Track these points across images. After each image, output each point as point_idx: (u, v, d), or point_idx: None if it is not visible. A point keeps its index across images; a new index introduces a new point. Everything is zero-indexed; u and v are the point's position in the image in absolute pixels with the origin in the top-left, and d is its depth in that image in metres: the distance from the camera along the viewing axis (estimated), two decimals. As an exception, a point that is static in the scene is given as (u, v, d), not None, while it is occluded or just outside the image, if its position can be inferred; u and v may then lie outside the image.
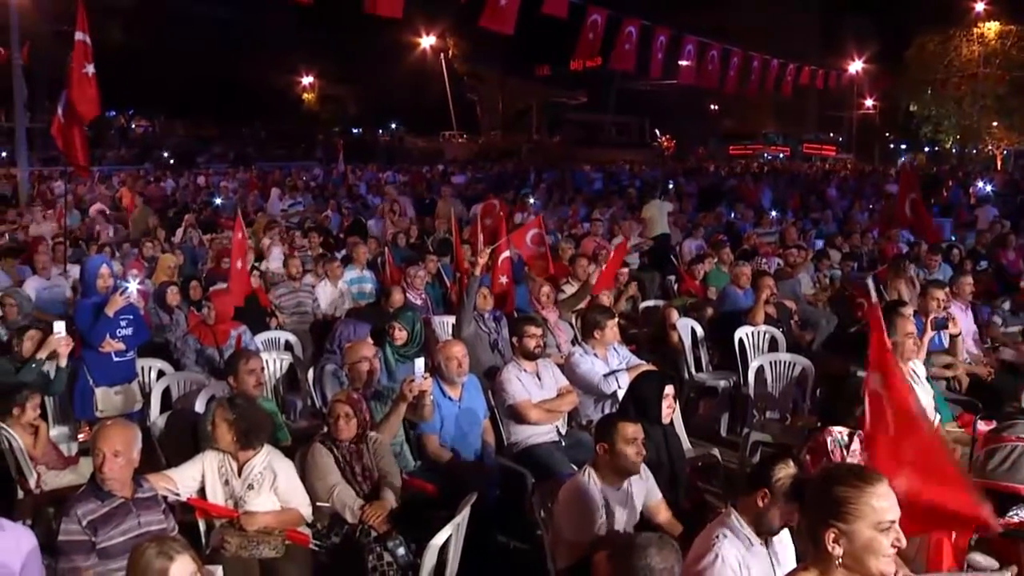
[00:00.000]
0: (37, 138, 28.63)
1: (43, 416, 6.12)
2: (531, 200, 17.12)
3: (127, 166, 34.34)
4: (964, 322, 7.95)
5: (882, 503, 2.79)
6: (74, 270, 10.94)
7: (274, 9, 46.79)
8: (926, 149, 57.18)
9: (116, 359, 6.79)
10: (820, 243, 14.21)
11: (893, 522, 2.80)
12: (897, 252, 11.84)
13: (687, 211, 18.44)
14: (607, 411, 6.27)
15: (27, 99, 22.20)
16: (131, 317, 6.97)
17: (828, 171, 39.66)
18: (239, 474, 4.79)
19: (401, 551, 4.61)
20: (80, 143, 9.78)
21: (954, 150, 51.89)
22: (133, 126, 54.31)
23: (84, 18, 9.55)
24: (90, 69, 9.45)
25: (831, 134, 65.77)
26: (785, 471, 3.68)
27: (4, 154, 33.53)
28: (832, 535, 2.78)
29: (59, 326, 6.57)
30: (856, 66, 48.08)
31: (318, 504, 4.97)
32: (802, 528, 3.02)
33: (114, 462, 4.19)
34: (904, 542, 2.82)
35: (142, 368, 7.30)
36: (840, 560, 2.78)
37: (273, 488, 4.81)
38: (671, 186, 21.97)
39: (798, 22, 57.04)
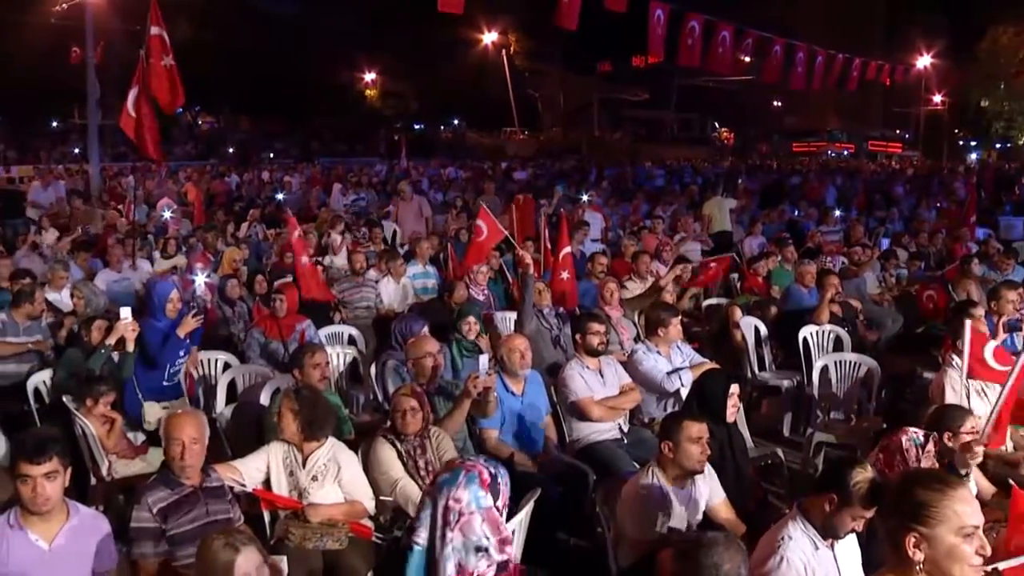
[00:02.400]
0: (108, 135, 29.25)
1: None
2: (584, 197, 17.04)
3: (193, 162, 34.90)
4: (1038, 324, 7.77)
5: (965, 508, 2.74)
6: (143, 264, 11.21)
7: (338, 5, 47.34)
8: (997, 146, 55.87)
9: (165, 383, 6.91)
10: (886, 242, 14.00)
11: (977, 528, 2.74)
12: (966, 252, 11.60)
13: (749, 208, 18.25)
14: (669, 409, 6.26)
15: (99, 97, 22.69)
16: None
17: (894, 169, 38.96)
18: (304, 465, 4.86)
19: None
20: (153, 136, 9.98)
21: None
22: (199, 122, 55.13)
23: (157, 13, 9.75)
24: (168, 61, 9.69)
25: (897, 131, 64.54)
26: (862, 475, 3.63)
27: (77, 150, 34.30)
28: (912, 539, 2.73)
29: (125, 312, 6.72)
30: (924, 61, 47.07)
31: (381, 498, 5.01)
32: (880, 532, 2.96)
33: (192, 450, 4.30)
34: (989, 550, 2.77)
35: (207, 360, 7.44)
36: (921, 566, 2.73)
37: (337, 480, 4.86)
38: (740, 181, 21.70)
39: (864, 16, 56.10)
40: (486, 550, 2.95)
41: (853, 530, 3.69)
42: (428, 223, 15.11)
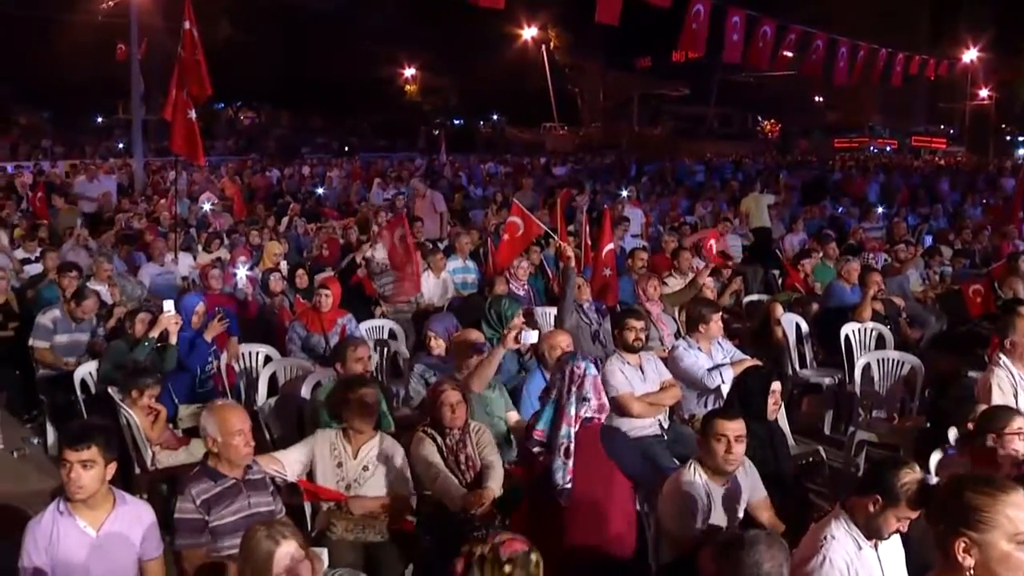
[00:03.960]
0: (152, 130, 29.65)
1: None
2: (624, 193, 17.00)
3: (234, 156, 35.20)
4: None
5: (1018, 513, 2.66)
6: (185, 258, 11.35)
7: (378, 1, 47.54)
8: (1046, 142, 54.95)
9: (199, 389, 7.02)
10: (929, 239, 13.83)
11: None
12: (1013, 249, 11.43)
13: (789, 205, 18.09)
14: (710, 406, 6.22)
15: (143, 93, 22.99)
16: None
17: (938, 165, 38.41)
18: (355, 456, 4.90)
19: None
20: (190, 130, 10.17)
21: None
22: (241, 118, 55.62)
23: (190, 8, 10.04)
24: (198, 56, 9.95)
25: (941, 126, 63.59)
26: (911, 476, 3.59)
27: (121, 145, 34.78)
28: (963, 544, 2.64)
29: (168, 305, 6.84)
30: (971, 55, 46.33)
31: (422, 492, 5.04)
32: (929, 536, 2.89)
33: (250, 440, 4.38)
34: None
35: (249, 353, 7.53)
36: (971, 571, 2.64)
37: (385, 472, 4.90)
38: (781, 176, 21.53)
39: (908, 10, 55.26)
40: (588, 400, 4.28)
41: (897, 531, 3.65)
42: (443, 219, 15.00)
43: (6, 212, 15.28)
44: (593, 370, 4.34)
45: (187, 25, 10.05)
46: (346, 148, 46.11)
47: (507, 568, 2.79)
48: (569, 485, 4.14)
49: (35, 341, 7.72)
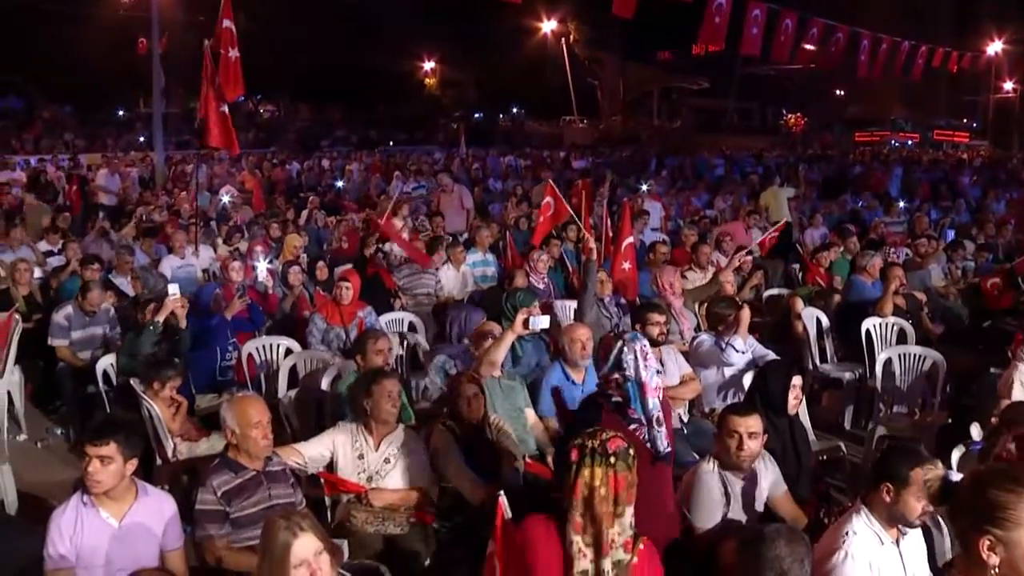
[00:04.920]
0: (172, 123, 29.78)
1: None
2: (644, 187, 16.94)
3: (254, 149, 35.29)
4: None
5: None
6: (205, 250, 11.41)
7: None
8: (1071, 135, 54.25)
9: (220, 378, 7.09)
10: (951, 233, 13.73)
11: None
12: (1036, 243, 11.35)
13: (809, 199, 17.99)
14: (730, 400, 6.21)
15: (164, 87, 23.08)
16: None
17: (960, 159, 38.07)
18: (376, 448, 4.92)
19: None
20: (225, 123, 10.29)
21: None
22: (260, 110, 55.71)
23: (229, 6, 10.16)
24: (234, 54, 10.05)
25: (964, 120, 63.02)
26: (933, 472, 3.58)
27: (142, 139, 34.94)
28: (987, 543, 2.57)
29: (173, 288, 6.90)
30: (995, 47, 45.83)
31: (441, 484, 5.05)
32: (952, 533, 2.86)
33: (269, 431, 4.41)
34: None
35: (268, 345, 7.55)
36: (996, 570, 2.57)
37: (406, 465, 4.92)
38: (801, 169, 21.40)
39: (931, 1, 54.77)
40: (660, 372, 4.74)
41: (923, 514, 3.63)
42: (469, 214, 14.86)
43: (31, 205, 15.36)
44: (649, 345, 4.61)
45: (226, 23, 10.19)
46: (370, 138, 46.08)
47: (612, 459, 3.31)
48: (669, 449, 4.40)
49: (53, 340, 7.80)
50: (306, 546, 3.22)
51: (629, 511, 3.34)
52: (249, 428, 4.34)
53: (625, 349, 4.44)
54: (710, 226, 13.13)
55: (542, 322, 5.86)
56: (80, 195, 15.89)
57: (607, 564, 3.28)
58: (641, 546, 3.37)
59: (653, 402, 4.37)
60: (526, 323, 5.75)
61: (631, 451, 3.38)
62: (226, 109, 10.28)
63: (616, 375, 4.46)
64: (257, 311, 7.86)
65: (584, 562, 3.29)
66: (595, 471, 3.29)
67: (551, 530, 3.37)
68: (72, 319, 7.83)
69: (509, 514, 3.82)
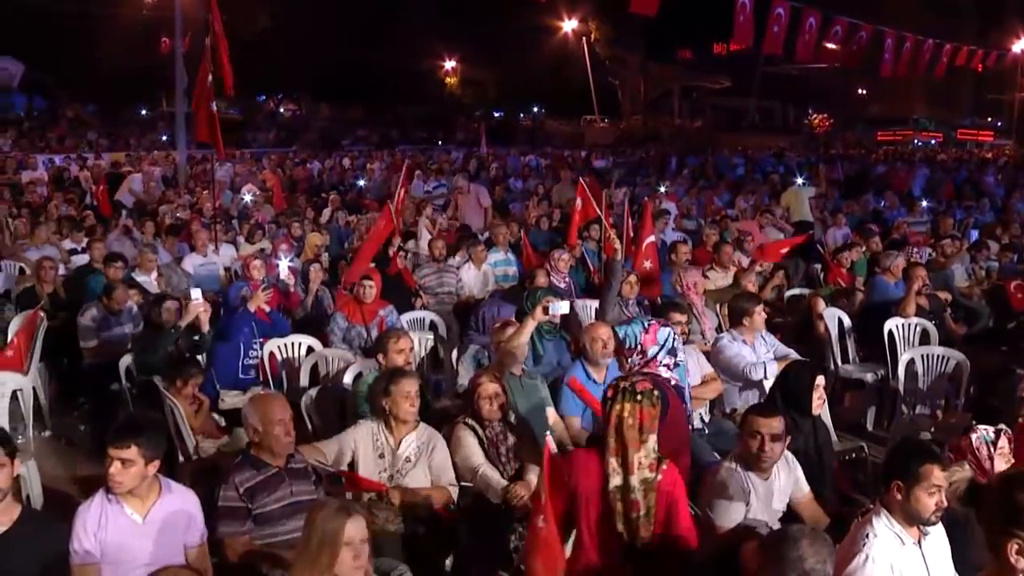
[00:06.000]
0: (193, 123, 29.91)
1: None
2: (662, 188, 16.91)
3: (276, 148, 35.42)
4: None
5: None
6: (227, 249, 11.47)
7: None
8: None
9: (243, 376, 7.14)
10: (975, 233, 13.62)
11: None
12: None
13: (831, 199, 17.88)
14: (752, 401, 6.19)
15: (186, 86, 23.21)
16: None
17: (984, 158, 37.71)
18: (397, 447, 4.93)
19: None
20: (212, 121, 10.50)
21: None
22: (281, 110, 55.87)
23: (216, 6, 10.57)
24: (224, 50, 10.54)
25: (988, 119, 62.47)
26: (960, 474, 3.57)
27: (164, 138, 35.12)
28: (1015, 546, 2.56)
29: (195, 292, 6.92)
30: (1021, 45, 45.35)
31: (463, 483, 5.06)
32: (980, 536, 2.82)
33: (291, 428, 4.44)
34: None
35: (290, 344, 7.56)
36: None
37: (428, 464, 4.92)
38: (820, 167, 21.28)
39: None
40: (675, 351, 5.50)
41: (937, 510, 3.61)
42: (487, 213, 14.82)
43: (54, 203, 15.48)
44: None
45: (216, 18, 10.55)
46: (390, 137, 46.15)
47: (639, 397, 4.01)
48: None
49: (84, 343, 7.83)
50: (358, 527, 3.34)
51: (652, 438, 4.03)
52: (271, 425, 4.37)
53: (678, 336, 4.97)
54: (731, 225, 13.05)
55: (562, 307, 5.87)
56: (107, 195, 15.99)
57: (635, 480, 3.99)
58: (664, 466, 4.06)
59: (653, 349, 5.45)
60: (546, 310, 5.76)
61: (655, 392, 4.07)
62: (215, 108, 10.49)
63: (668, 359, 5.40)
64: (281, 320, 7.87)
65: (617, 478, 4.00)
66: (624, 405, 4.00)
67: (592, 456, 4.11)
68: (98, 321, 7.87)
69: (555, 450, 4.37)
